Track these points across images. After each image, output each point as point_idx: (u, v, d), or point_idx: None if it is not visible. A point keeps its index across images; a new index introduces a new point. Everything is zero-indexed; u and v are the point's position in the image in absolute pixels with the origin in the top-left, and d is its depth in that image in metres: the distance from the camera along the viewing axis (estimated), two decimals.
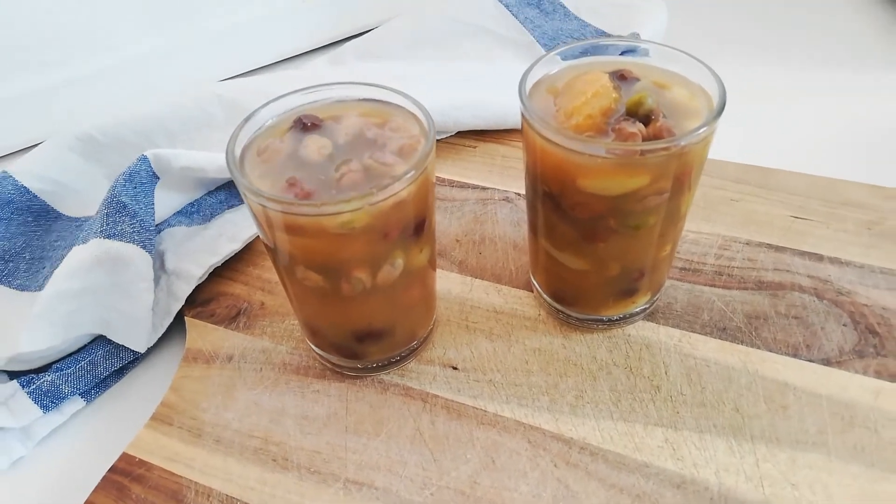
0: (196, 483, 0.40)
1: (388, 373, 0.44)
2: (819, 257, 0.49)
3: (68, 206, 0.56)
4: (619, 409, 0.41)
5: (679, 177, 0.37)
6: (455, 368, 0.44)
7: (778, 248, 0.50)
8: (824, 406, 0.40)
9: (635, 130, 0.35)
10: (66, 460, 0.44)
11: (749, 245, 0.50)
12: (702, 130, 0.35)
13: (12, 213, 0.54)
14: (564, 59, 0.43)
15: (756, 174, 0.56)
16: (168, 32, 0.71)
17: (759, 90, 0.68)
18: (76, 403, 0.46)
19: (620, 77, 0.40)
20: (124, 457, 0.41)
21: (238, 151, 0.37)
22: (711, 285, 0.48)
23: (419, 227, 0.38)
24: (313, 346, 0.44)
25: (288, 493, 0.39)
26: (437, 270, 0.50)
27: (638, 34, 0.68)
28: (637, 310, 0.45)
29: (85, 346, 0.48)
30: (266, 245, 0.38)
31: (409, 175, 0.34)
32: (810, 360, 0.43)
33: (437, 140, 0.63)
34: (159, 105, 0.57)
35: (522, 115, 0.38)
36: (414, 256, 0.39)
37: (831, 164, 0.56)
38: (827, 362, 0.43)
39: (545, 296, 0.47)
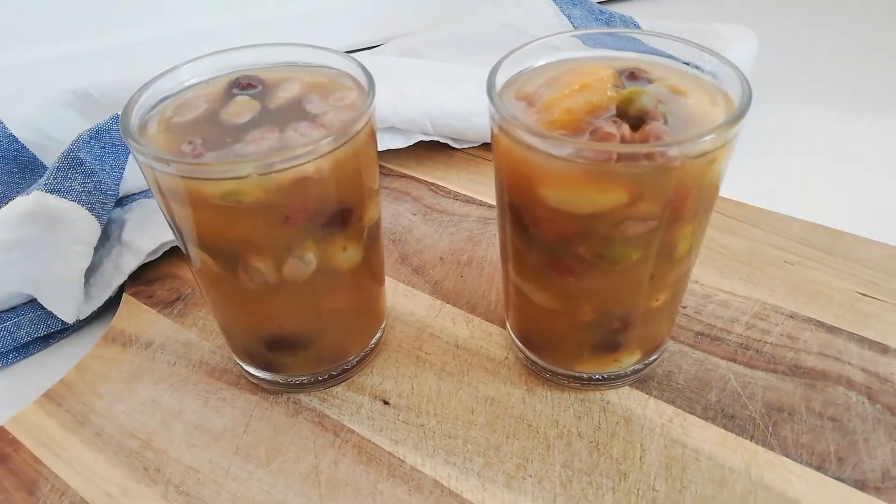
0: (56, 476, 0.34)
1: (309, 394, 0.37)
2: (884, 349, 0.38)
3: None
4: (567, 493, 0.32)
5: (673, 202, 0.28)
6: (386, 403, 0.37)
7: (831, 329, 0.39)
8: None
9: (614, 131, 0.27)
10: None
11: (794, 319, 0.40)
12: (704, 139, 0.26)
13: None
14: (586, 43, 0.36)
15: (824, 236, 0.45)
16: (212, 18, 0.68)
17: (847, 138, 0.57)
18: None
19: (630, 76, 0.32)
20: None
21: (146, 105, 0.32)
22: (731, 360, 0.38)
23: (340, 219, 0.31)
24: (231, 350, 0.38)
25: None
26: (406, 288, 0.43)
27: None
28: (622, 372, 0.36)
29: (15, 307, 0.44)
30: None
31: (317, 145, 0.28)
32: (839, 479, 0.32)
33: (458, 150, 0.56)
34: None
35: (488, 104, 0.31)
36: (335, 255, 0.32)
37: None
38: (861, 485, 0.32)
39: (514, 337, 0.38)
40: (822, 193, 0.51)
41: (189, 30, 0.67)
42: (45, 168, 0.53)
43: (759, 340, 0.39)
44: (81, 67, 0.61)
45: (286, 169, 0.27)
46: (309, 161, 0.28)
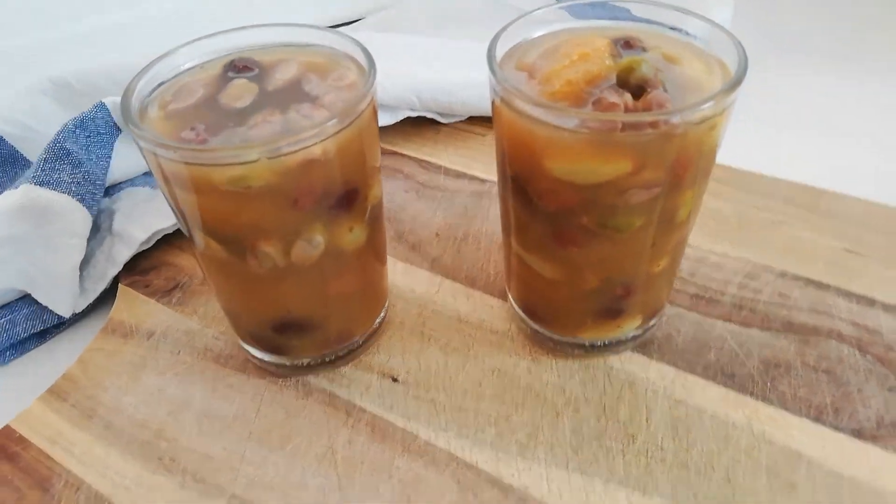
0: (69, 472, 0.34)
1: (317, 375, 0.38)
2: (870, 302, 0.39)
3: (36, 153, 0.52)
4: (579, 458, 0.33)
5: (675, 168, 0.29)
6: (395, 380, 0.37)
7: (820, 286, 0.40)
8: (845, 490, 0.31)
9: (618, 101, 0.27)
10: None
11: (784, 277, 0.41)
12: (705, 106, 0.27)
13: None
14: (573, 14, 0.36)
15: (807, 195, 0.46)
16: None
17: (823, 102, 0.58)
18: None
19: (625, 45, 0.33)
20: (5, 430, 0.36)
21: (144, 90, 0.31)
22: (727, 320, 0.39)
23: (347, 199, 0.31)
24: (237, 335, 0.38)
25: (162, 501, 0.33)
26: (405, 265, 0.44)
27: None
28: (624, 337, 0.37)
29: (9, 303, 0.43)
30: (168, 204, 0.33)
31: (324, 127, 0.27)
32: (837, 429, 0.33)
33: (445, 124, 0.56)
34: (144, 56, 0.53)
35: (489, 76, 0.31)
36: (342, 236, 0.32)
37: None
38: (858, 434, 0.33)
39: (517, 308, 0.39)
40: (805, 157, 0.52)
41: (156, 12, 0.66)
42: (26, 160, 0.52)
43: (753, 300, 0.40)
44: (56, 54, 0.59)
45: (295, 152, 0.27)
46: (317, 143, 0.28)
